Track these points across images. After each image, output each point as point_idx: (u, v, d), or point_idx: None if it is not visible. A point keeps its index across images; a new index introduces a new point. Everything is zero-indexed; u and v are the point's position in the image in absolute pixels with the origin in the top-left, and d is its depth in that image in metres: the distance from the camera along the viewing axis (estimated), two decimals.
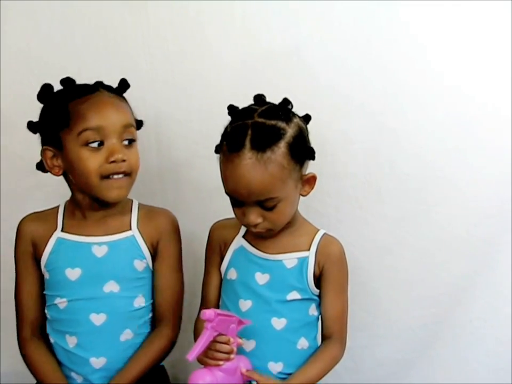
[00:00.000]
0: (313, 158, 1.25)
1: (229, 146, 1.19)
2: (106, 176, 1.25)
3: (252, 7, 1.49)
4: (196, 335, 1.33)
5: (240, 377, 1.22)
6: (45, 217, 1.34)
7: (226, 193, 1.24)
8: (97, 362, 1.29)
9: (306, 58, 1.49)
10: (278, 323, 1.27)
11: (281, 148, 1.18)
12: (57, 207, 1.36)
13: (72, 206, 1.34)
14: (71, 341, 1.30)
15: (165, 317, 1.36)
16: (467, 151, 1.48)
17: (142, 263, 1.33)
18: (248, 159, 1.17)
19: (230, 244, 1.33)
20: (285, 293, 1.27)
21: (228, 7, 1.49)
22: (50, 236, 1.31)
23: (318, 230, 1.32)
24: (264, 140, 1.17)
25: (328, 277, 1.28)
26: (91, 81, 1.31)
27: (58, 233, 1.31)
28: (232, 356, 1.18)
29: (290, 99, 1.28)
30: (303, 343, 1.30)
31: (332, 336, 1.31)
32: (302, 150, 1.23)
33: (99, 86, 1.29)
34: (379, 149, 1.51)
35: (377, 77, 1.48)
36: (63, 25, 1.53)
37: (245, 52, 1.51)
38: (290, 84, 1.46)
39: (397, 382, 1.61)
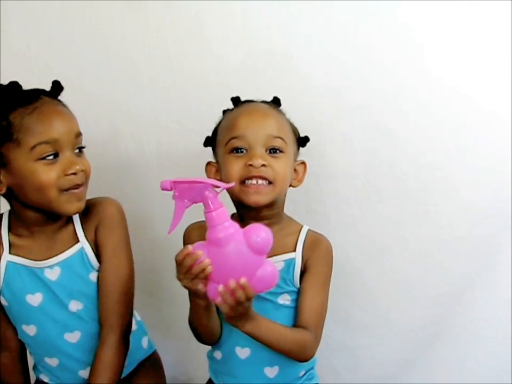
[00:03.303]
0: (303, 145, 1.28)
1: (242, 101, 1.28)
2: (65, 189, 1.17)
3: (252, 7, 1.48)
4: (194, 322, 1.24)
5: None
6: None
7: (228, 142, 1.20)
8: (86, 373, 1.26)
9: (306, 58, 1.49)
10: None
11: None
12: None
13: (17, 223, 1.24)
14: (53, 362, 1.27)
15: (107, 321, 1.25)
16: (467, 151, 1.48)
17: (97, 274, 1.26)
18: (263, 104, 1.26)
19: None
20: (275, 297, 1.24)
21: (227, 7, 1.49)
22: None
23: (302, 226, 1.28)
24: (273, 101, 1.28)
25: (311, 272, 1.24)
26: (91, 81, 1.30)
27: (6, 256, 1.23)
28: (208, 268, 1.05)
29: (291, 99, 1.29)
30: None
31: (306, 329, 1.21)
32: (297, 133, 1.27)
33: (40, 93, 1.20)
34: (379, 149, 1.50)
35: (377, 78, 1.47)
36: (63, 25, 1.53)
37: (245, 52, 1.51)
38: (290, 84, 1.46)
39: (397, 382, 1.61)
